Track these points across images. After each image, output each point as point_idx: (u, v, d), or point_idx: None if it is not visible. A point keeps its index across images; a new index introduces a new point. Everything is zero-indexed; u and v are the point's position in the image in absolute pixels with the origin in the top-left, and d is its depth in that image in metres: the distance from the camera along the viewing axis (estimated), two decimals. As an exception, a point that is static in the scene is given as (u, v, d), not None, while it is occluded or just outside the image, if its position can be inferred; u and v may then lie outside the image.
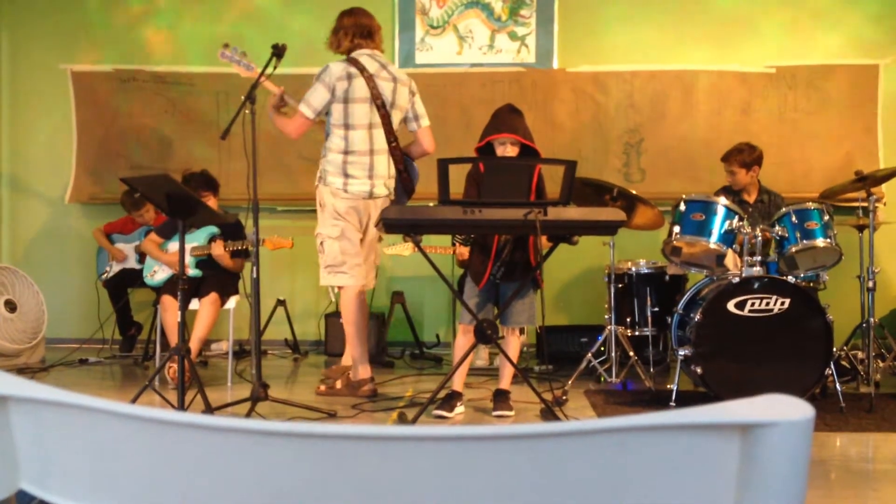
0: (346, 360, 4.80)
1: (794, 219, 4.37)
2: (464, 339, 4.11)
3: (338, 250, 4.47)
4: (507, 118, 4.12)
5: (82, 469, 0.80)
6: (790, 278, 4.17)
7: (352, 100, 4.40)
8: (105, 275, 6.20)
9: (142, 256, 5.86)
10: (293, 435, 0.71)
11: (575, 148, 6.46)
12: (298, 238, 5.41)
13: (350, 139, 4.43)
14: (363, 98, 4.42)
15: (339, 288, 4.61)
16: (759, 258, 4.22)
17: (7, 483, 0.82)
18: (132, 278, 5.99)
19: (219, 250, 5.06)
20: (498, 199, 3.64)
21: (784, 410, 0.69)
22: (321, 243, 4.51)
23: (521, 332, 4.36)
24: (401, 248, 5.55)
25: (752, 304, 4.07)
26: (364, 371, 4.55)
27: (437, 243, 5.71)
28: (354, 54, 4.49)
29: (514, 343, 4.17)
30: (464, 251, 5.56)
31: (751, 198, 5.31)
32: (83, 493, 0.81)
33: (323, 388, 4.66)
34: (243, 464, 0.74)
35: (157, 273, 5.31)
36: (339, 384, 4.60)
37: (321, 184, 4.51)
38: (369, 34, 4.54)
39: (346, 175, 4.44)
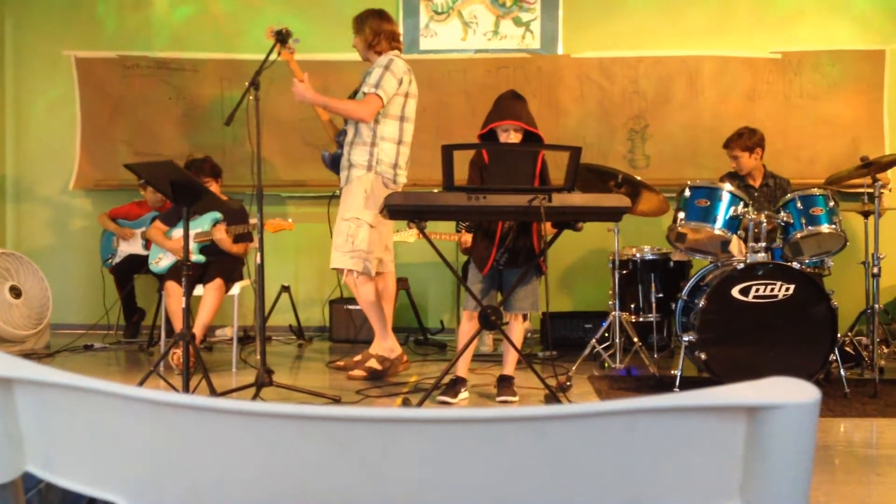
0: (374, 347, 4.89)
1: (799, 205, 4.36)
2: (468, 325, 4.11)
3: (370, 239, 4.59)
4: (510, 104, 4.11)
5: (88, 451, 0.81)
6: (795, 264, 4.17)
7: (410, 94, 4.66)
8: (110, 260, 6.20)
9: (147, 243, 5.87)
10: (300, 417, 0.71)
11: (580, 134, 6.44)
12: (302, 225, 5.42)
13: (404, 130, 4.66)
14: (414, 94, 4.69)
15: (349, 272, 4.62)
16: (763, 244, 4.21)
17: (13, 465, 0.82)
18: (138, 264, 6.00)
19: (220, 234, 5.07)
20: (502, 186, 3.63)
21: (790, 393, 0.69)
22: (357, 227, 4.57)
23: (525, 318, 4.37)
24: (405, 234, 5.55)
25: (757, 290, 4.07)
26: (396, 346, 4.78)
27: (442, 230, 5.71)
28: (393, 54, 4.68)
29: (517, 329, 4.17)
30: (467, 238, 5.55)
31: (756, 182, 5.30)
32: (89, 475, 0.81)
33: (359, 371, 4.68)
34: (249, 446, 0.74)
35: (163, 260, 5.32)
36: (376, 364, 4.66)
37: (370, 171, 4.59)
38: (399, 40, 4.85)
39: (396, 166, 4.64)
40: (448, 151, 3.55)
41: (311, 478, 0.74)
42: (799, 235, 4.34)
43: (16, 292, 5.73)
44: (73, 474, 0.81)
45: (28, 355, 5.49)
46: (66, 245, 6.94)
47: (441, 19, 6.71)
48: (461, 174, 3.77)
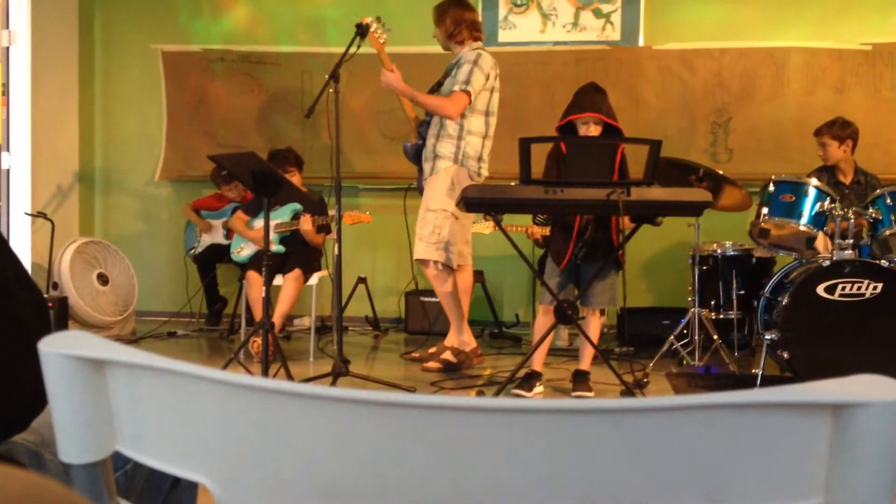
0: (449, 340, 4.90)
1: (888, 201, 4.22)
2: (544, 318, 4.10)
3: (456, 231, 4.64)
4: (590, 97, 4.08)
5: (175, 432, 0.83)
6: (883, 262, 4.04)
7: (496, 89, 4.69)
8: (193, 250, 6.36)
9: (229, 233, 6.00)
10: (378, 404, 0.72)
11: (660, 127, 6.33)
12: (378, 217, 5.45)
13: (489, 125, 4.70)
14: (498, 88, 4.71)
15: (433, 263, 4.64)
16: (850, 241, 4.10)
17: (104, 444, 0.85)
18: (220, 254, 6.13)
19: (307, 225, 5.14)
20: (580, 179, 3.61)
21: (878, 390, 0.67)
22: (444, 219, 4.60)
23: (602, 313, 4.33)
24: (481, 226, 5.54)
25: (843, 288, 3.96)
26: (471, 339, 4.82)
27: (519, 222, 5.68)
28: (476, 46, 4.70)
29: (594, 324, 4.15)
30: (534, 230, 5.48)
31: (847, 178, 5.16)
32: (175, 455, 0.83)
33: (434, 363, 4.73)
34: (328, 431, 0.75)
35: (244, 250, 5.43)
36: (450, 356, 4.70)
37: (457, 164, 4.62)
38: (480, 29, 4.84)
39: (481, 159, 4.68)
40: (525, 144, 3.54)
41: (386, 463, 0.75)
42: (888, 232, 4.21)
43: (103, 280, 5.92)
44: (160, 454, 0.84)
45: (114, 341, 5.67)
46: (151, 234, 7.13)
47: (520, 11, 6.67)
48: (538, 167, 3.76)
